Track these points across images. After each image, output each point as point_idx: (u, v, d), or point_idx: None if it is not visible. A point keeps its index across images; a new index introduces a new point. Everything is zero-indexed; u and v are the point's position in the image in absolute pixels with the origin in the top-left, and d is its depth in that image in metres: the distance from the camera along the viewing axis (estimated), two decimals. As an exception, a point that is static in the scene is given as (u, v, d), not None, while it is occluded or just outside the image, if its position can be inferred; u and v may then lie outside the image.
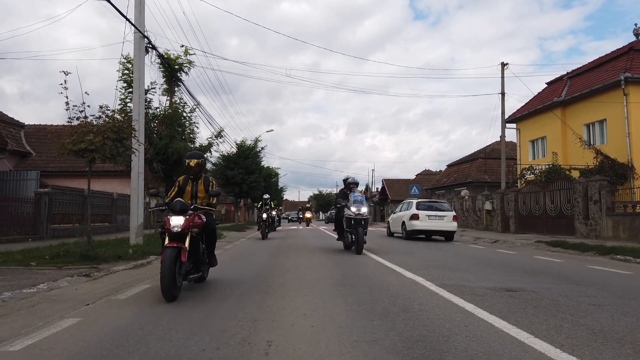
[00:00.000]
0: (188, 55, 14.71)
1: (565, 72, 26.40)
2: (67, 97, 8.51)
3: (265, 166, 38.23)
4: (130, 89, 12.42)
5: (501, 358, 2.88)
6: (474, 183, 31.98)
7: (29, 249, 9.19)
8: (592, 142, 21.31)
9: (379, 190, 59.46)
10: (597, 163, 19.03)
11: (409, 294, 5.13)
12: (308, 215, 37.10)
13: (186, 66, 14.67)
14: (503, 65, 25.35)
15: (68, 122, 8.83)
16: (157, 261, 8.91)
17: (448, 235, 15.85)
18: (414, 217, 15.74)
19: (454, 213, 16.67)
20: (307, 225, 34.41)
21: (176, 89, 14.97)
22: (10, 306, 4.61)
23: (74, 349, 3.15)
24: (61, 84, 8.43)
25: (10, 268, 7.07)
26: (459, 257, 9.83)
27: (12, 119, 21.64)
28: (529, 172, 21.25)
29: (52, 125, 22.69)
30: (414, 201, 16.89)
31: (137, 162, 11.08)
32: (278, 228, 25.55)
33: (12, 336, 3.45)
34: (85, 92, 8.87)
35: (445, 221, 15.85)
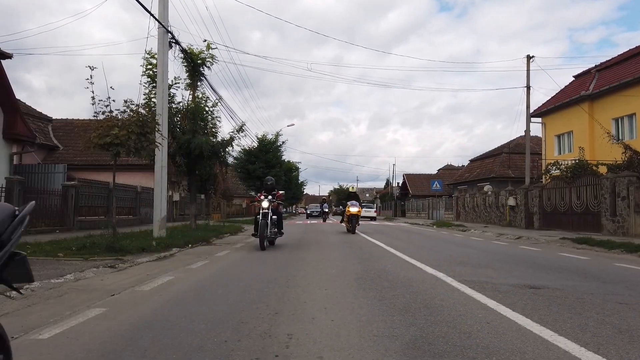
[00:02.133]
0: (210, 50, 14.81)
1: (593, 65, 25.73)
2: (92, 92, 8.70)
3: (286, 160, 38.35)
4: (154, 84, 12.59)
5: (524, 356, 2.84)
6: (497, 178, 31.51)
7: (57, 240, 9.44)
8: (620, 137, 20.73)
9: (400, 185, 59.10)
10: (626, 158, 18.50)
11: (430, 290, 5.09)
12: (354, 209, 27.20)
13: (208, 61, 14.77)
14: (529, 58, 24.84)
15: (94, 116, 9.02)
16: (180, 254, 9.08)
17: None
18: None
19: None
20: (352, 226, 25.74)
21: (199, 83, 15.09)
22: (39, 295, 4.75)
23: (100, 338, 3.23)
24: (87, 79, 8.61)
25: (39, 259, 7.28)
26: (482, 253, 9.71)
27: (41, 113, 22.20)
28: (554, 168, 20.82)
29: (78, 120, 23.19)
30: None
31: (161, 156, 11.25)
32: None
33: (41, 324, 3.56)
34: (111, 87, 9.05)
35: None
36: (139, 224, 17.66)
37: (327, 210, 32.58)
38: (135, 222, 18.13)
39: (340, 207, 24.10)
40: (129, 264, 7.28)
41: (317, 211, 40.64)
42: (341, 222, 18.23)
